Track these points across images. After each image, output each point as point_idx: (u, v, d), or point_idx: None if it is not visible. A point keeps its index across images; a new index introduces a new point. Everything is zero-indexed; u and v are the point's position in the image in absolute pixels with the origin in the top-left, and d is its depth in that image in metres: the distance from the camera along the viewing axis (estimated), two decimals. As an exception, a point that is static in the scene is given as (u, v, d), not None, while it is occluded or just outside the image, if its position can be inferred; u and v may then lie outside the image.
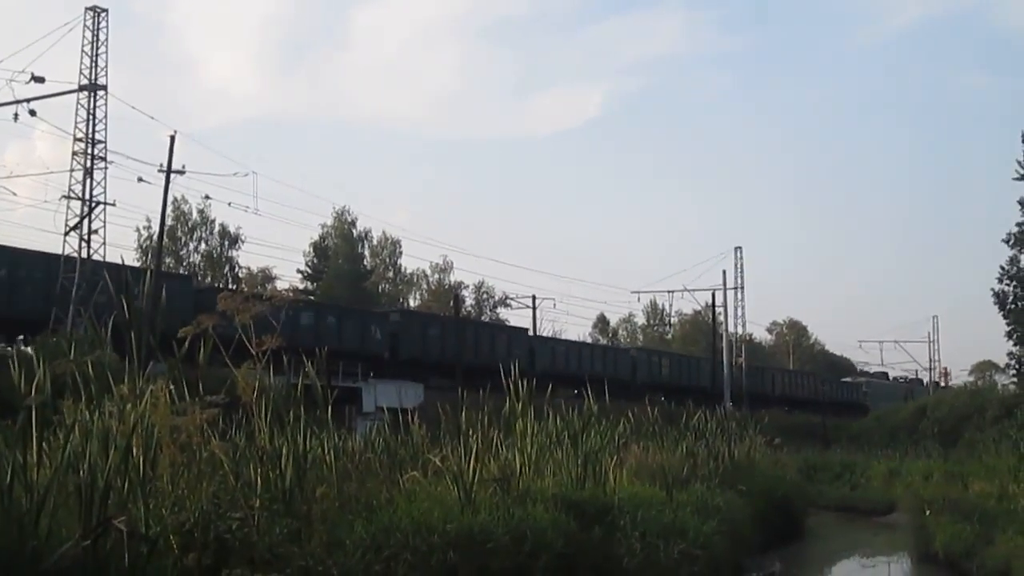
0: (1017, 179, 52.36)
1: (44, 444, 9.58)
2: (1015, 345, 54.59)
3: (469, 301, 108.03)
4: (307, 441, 12.91)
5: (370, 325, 58.14)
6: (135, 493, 9.90)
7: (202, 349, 11.73)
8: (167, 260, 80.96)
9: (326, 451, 13.75)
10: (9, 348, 38.49)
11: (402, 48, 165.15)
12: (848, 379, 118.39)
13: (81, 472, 9.42)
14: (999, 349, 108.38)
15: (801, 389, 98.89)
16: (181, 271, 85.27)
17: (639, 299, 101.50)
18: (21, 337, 42.45)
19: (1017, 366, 55.76)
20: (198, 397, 11.38)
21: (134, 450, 10.01)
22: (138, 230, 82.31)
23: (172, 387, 11.19)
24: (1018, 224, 52.78)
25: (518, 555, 13.60)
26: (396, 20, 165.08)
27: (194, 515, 10.18)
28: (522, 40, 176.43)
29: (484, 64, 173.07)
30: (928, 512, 27.36)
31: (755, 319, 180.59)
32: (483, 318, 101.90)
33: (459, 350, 56.52)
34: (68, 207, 47.06)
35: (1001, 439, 39.22)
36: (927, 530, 26.65)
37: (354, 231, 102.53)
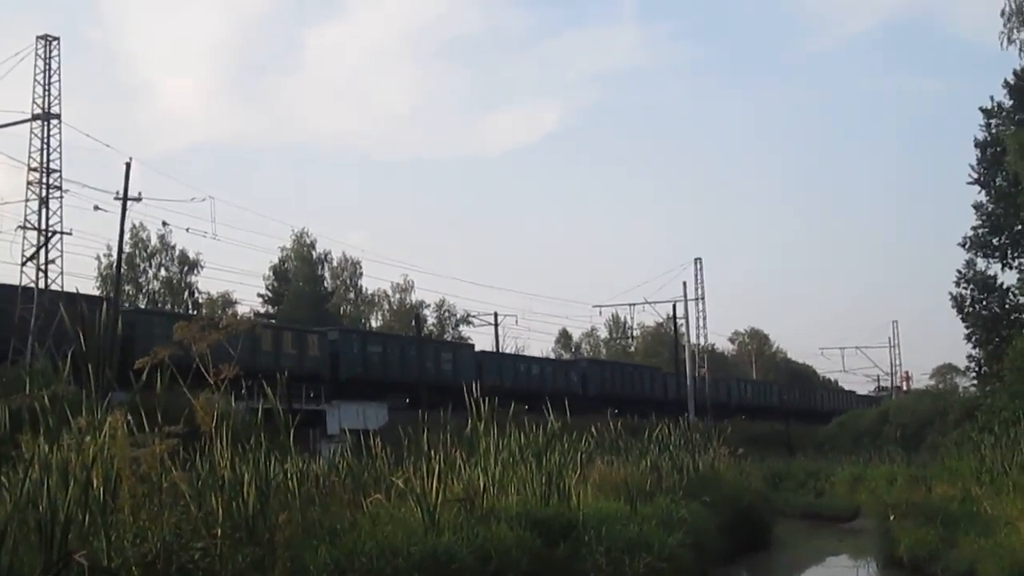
0: (971, 183, 52.90)
1: (3, 479, 9.54)
2: (974, 348, 55.03)
3: (431, 320, 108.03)
4: (269, 467, 12.91)
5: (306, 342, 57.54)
6: (96, 526, 9.87)
7: (159, 378, 11.71)
8: (126, 288, 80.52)
9: (289, 476, 13.74)
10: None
11: (356, 69, 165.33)
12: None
13: (41, 506, 9.39)
14: (959, 352, 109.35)
15: (764, 398, 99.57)
16: (141, 298, 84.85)
17: (600, 313, 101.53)
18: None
19: (977, 369, 56.13)
20: (157, 427, 11.35)
21: (94, 482, 9.99)
22: (98, 258, 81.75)
23: (130, 418, 11.16)
24: (973, 228, 53.24)
25: (483, 574, 13.62)
26: (349, 41, 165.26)
27: (156, 546, 10.15)
28: (477, 57, 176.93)
29: (439, 82, 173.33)
30: (892, 517, 27.49)
31: (717, 329, 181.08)
32: (445, 336, 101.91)
33: (402, 368, 56.76)
34: (24, 237, 46.90)
35: (963, 442, 39.37)
36: (892, 535, 26.77)
37: (313, 253, 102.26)
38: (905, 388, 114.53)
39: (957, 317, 54.39)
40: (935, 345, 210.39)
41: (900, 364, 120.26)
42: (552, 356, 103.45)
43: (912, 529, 25.40)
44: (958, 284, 54.05)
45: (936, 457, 41.06)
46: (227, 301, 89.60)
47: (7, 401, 10.05)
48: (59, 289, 45.41)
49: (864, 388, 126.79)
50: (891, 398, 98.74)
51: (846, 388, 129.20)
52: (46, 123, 47.46)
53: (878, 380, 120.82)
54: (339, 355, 58.91)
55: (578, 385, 74.72)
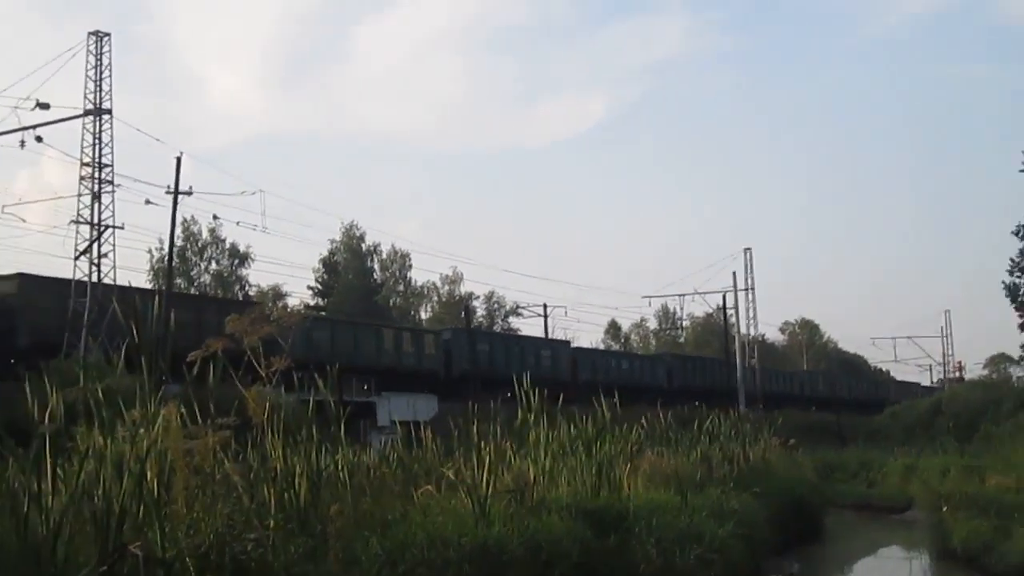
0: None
1: (59, 471, 9.64)
2: (1027, 337, 54.55)
3: (480, 312, 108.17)
4: (321, 458, 12.99)
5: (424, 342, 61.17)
6: (150, 517, 9.95)
7: (212, 371, 11.81)
8: (178, 281, 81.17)
9: (340, 468, 13.82)
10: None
11: (405, 61, 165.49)
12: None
13: (96, 498, 9.48)
14: (1012, 341, 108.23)
15: (816, 388, 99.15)
16: (192, 291, 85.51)
17: (650, 304, 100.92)
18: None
19: (1030, 357, 55.69)
20: (210, 419, 11.44)
21: (148, 474, 10.07)
22: (149, 252, 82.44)
23: (184, 410, 11.25)
24: (1027, 216, 52.76)
25: (534, 566, 13.64)
26: (398, 33, 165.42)
27: (209, 537, 10.22)
28: (525, 48, 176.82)
29: (488, 74, 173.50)
30: (945, 508, 27.27)
31: (767, 320, 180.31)
32: (494, 328, 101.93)
33: (507, 364, 58.87)
34: (77, 232, 47.24)
35: (1017, 432, 39.12)
36: (945, 526, 26.58)
37: (363, 246, 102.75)
38: (958, 378, 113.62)
39: (1011, 306, 53.94)
40: (988, 334, 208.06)
41: (952, 354, 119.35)
42: (601, 347, 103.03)
43: (966, 520, 25.21)
44: (1011, 273, 53.62)
45: (990, 447, 40.73)
46: (277, 294, 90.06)
47: (62, 394, 10.13)
48: (112, 283, 45.78)
49: (915, 378, 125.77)
50: (944, 388, 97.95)
51: (898, 378, 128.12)
52: (98, 118, 47.82)
53: (943, 369, 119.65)
54: (451, 353, 61.81)
55: (663, 379, 76.85)
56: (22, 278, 43.62)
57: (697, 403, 47.37)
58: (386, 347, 57.77)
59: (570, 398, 20.89)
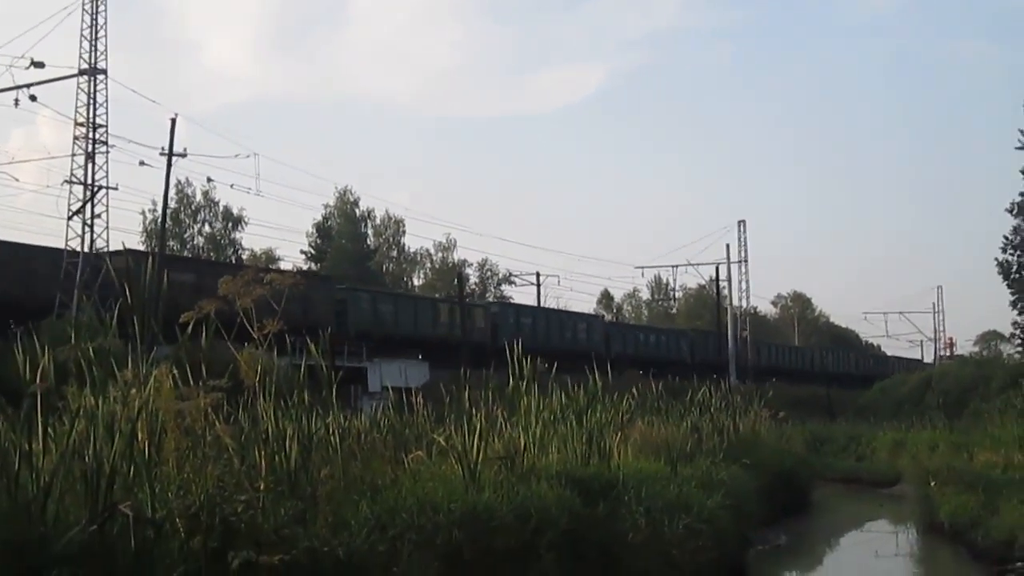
0: (1020, 148, 52.43)
1: (49, 430, 9.64)
2: (1019, 315, 54.71)
3: (473, 279, 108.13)
4: (312, 422, 13.00)
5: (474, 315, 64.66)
6: (141, 478, 9.96)
7: (205, 333, 11.80)
8: (171, 243, 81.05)
9: (331, 432, 13.83)
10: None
11: (401, 26, 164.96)
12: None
13: (87, 458, 9.48)
14: (1004, 319, 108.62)
15: (806, 361, 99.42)
16: (186, 254, 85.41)
17: (643, 274, 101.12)
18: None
19: (1022, 335, 55.84)
20: (202, 381, 11.44)
21: (139, 435, 10.07)
22: (143, 213, 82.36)
23: (176, 371, 11.25)
24: (1021, 194, 52.84)
25: (523, 533, 13.67)
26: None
27: (200, 499, 10.23)
28: (522, 16, 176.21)
29: (484, 41, 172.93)
30: (933, 483, 27.41)
31: (759, 292, 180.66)
32: (487, 296, 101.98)
33: (547, 337, 62.86)
34: (71, 192, 47.14)
35: (1006, 409, 39.26)
36: (932, 501, 26.72)
37: (357, 211, 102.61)
38: (949, 354, 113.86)
39: (1003, 283, 54.09)
40: (980, 311, 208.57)
41: (944, 330, 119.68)
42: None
43: (953, 495, 25.35)
44: (1004, 250, 53.80)
45: (979, 424, 40.90)
46: (270, 257, 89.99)
47: (54, 353, 10.12)
48: (105, 243, 45.73)
49: (906, 353, 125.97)
50: (935, 364, 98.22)
51: (889, 353, 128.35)
52: (93, 78, 47.62)
53: (934, 345, 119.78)
54: (498, 327, 64.70)
55: (687, 353, 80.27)
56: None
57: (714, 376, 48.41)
58: (441, 320, 62.51)
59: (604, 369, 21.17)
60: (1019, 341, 57.96)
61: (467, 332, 58.76)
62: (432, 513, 12.64)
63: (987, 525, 22.72)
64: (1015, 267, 53.25)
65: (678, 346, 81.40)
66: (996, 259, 54.14)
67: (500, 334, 61.35)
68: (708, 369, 66.11)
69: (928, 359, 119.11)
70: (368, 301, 58.30)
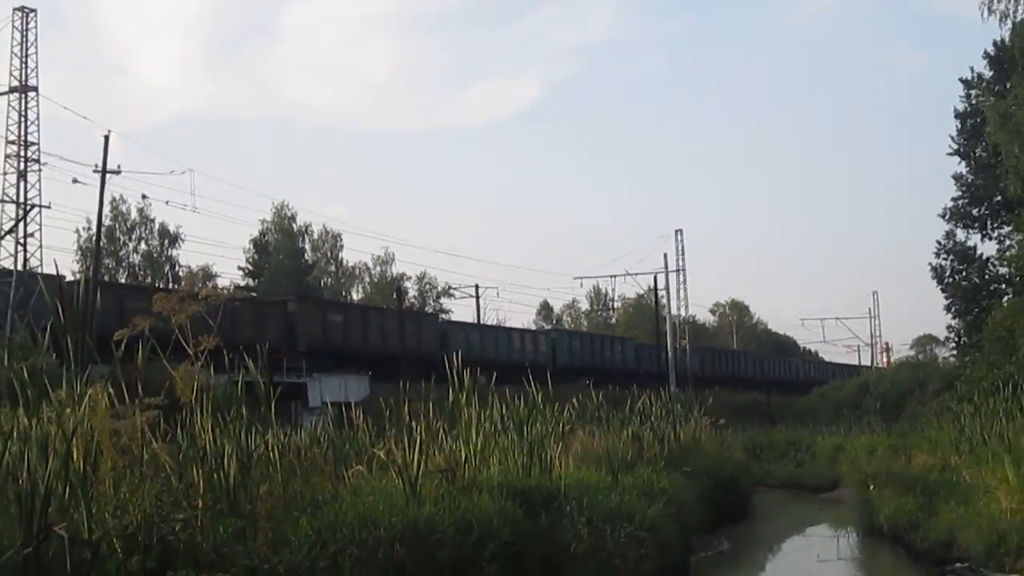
0: (951, 154, 53.08)
1: (-18, 452, 9.51)
2: (954, 319, 55.36)
3: (412, 292, 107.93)
4: (251, 439, 12.90)
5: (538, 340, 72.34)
6: (76, 498, 9.84)
7: (140, 350, 11.68)
8: (107, 261, 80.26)
9: (270, 448, 13.75)
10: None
11: (336, 41, 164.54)
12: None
13: (20, 479, 9.36)
14: (939, 323, 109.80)
15: (746, 368, 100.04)
16: (121, 272, 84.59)
17: (582, 284, 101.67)
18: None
19: (956, 339, 56.53)
20: (137, 399, 11.33)
21: (74, 455, 9.95)
22: (77, 231, 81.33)
23: (111, 390, 11.13)
24: (953, 199, 53.52)
25: (465, 546, 13.62)
26: (329, 13, 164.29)
27: (137, 518, 10.14)
28: (456, 30, 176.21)
29: (418, 55, 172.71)
30: (872, 486, 27.65)
31: (698, 301, 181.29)
32: (427, 309, 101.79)
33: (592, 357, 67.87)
34: (3, 211, 46.66)
35: (942, 412, 39.58)
36: (872, 504, 26.95)
37: (294, 226, 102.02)
38: (885, 359, 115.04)
39: (937, 288, 54.73)
40: (915, 316, 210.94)
41: (880, 335, 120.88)
42: (533, 327, 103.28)
43: (892, 498, 25.55)
44: (938, 255, 54.41)
45: (916, 427, 41.29)
46: (207, 274, 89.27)
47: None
48: (38, 263, 45.24)
49: (843, 359, 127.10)
50: (871, 369, 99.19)
51: (827, 359, 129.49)
52: (23, 95, 47.19)
53: (870, 350, 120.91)
54: (556, 348, 72.04)
55: (633, 363, 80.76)
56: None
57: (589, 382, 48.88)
58: (515, 346, 69.22)
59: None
60: (954, 344, 58.64)
61: (533, 356, 63.17)
62: (373, 528, 12.58)
63: (926, 527, 22.90)
64: (948, 272, 53.90)
65: (621, 355, 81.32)
66: (930, 264, 54.80)
67: (558, 356, 70.32)
68: (649, 378, 66.45)
69: (865, 364, 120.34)
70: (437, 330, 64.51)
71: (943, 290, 54.37)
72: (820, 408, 70.88)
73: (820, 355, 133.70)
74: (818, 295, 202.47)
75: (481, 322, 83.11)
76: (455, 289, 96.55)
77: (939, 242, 54.38)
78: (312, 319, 57.48)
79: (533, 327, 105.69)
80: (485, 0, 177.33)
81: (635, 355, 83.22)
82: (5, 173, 47.08)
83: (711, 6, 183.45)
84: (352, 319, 61.23)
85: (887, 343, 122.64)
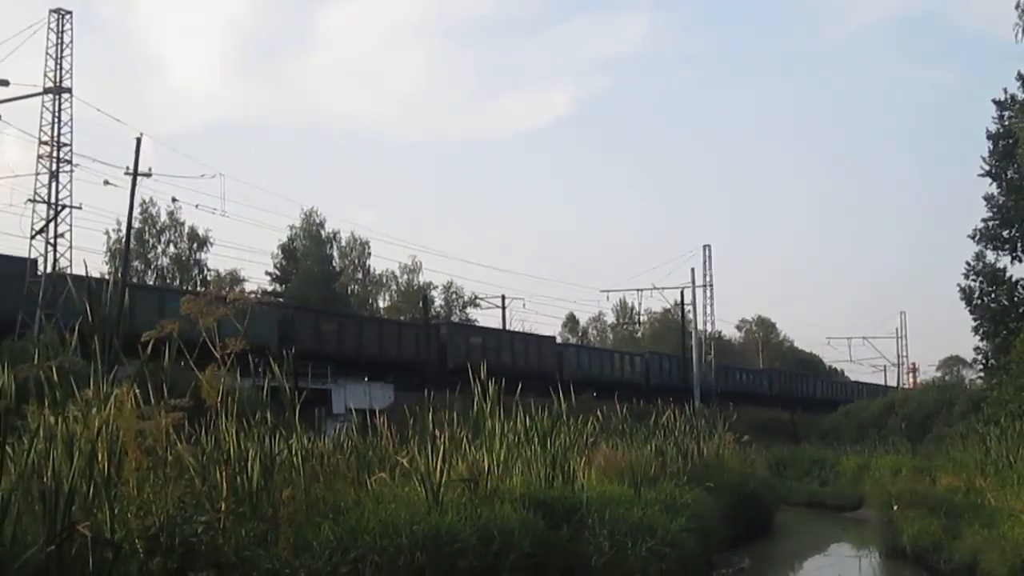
0: (982, 175, 52.76)
1: (8, 449, 9.55)
2: (981, 340, 54.96)
3: (438, 302, 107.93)
4: (274, 443, 12.93)
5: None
6: (100, 498, 9.88)
7: (167, 352, 11.72)
8: (135, 263, 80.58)
9: (293, 453, 13.77)
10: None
11: (368, 49, 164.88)
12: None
13: (45, 477, 9.39)
14: (966, 344, 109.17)
15: (771, 386, 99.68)
16: (149, 274, 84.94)
17: (608, 298, 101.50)
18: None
19: (984, 361, 56.07)
20: (163, 401, 11.36)
21: (99, 454, 9.99)
22: (107, 233, 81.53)
23: (137, 391, 11.17)
24: (983, 220, 53.14)
25: (485, 555, 13.63)
26: (361, 21, 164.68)
27: (160, 519, 10.16)
28: (489, 40, 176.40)
29: (451, 64, 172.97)
30: (896, 507, 27.50)
31: (724, 317, 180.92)
32: (452, 318, 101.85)
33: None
34: (34, 211, 46.81)
35: (968, 434, 39.36)
36: (895, 525, 26.80)
37: (322, 232, 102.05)
38: (911, 379, 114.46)
39: (965, 309, 54.36)
40: (942, 337, 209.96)
41: (907, 355, 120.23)
42: (559, 340, 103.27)
43: (915, 519, 25.41)
44: (967, 276, 53.96)
45: (941, 448, 41.11)
46: (235, 279, 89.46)
47: (13, 372, 10.03)
48: (68, 263, 45.43)
49: (869, 378, 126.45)
50: (897, 389, 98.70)
51: (853, 378, 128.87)
52: (58, 97, 47.38)
53: (897, 370, 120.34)
54: (649, 367, 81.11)
55: (654, 376, 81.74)
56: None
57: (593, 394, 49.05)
58: (627, 368, 79.93)
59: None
60: (981, 366, 58.09)
61: (631, 374, 68.45)
62: (395, 535, 12.59)
63: (949, 549, 22.78)
64: (977, 293, 53.45)
65: (644, 369, 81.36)
66: (959, 285, 54.36)
67: (651, 374, 77.26)
68: (673, 393, 66.38)
69: (891, 384, 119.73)
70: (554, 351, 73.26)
71: (971, 311, 53.93)
72: (845, 427, 70.57)
73: (846, 374, 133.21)
74: (845, 314, 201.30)
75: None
76: (481, 299, 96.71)
77: (968, 263, 53.97)
78: (459, 341, 65.61)
79: (559, 339, 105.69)
80: (518, 10, 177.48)
81: (663, 370, 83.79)
82: (37, 173, 47.27)
83: (743, 21, 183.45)
84: (489, 341, 68.00)
85: (914, 363, 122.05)
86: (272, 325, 51.60)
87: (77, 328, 10.94)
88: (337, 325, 60.14)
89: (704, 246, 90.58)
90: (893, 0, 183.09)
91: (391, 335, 62.30)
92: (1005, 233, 52.60)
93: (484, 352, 61.50)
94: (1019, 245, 52.14)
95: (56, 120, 47.32)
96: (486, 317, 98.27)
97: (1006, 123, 51.34)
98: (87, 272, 41.46)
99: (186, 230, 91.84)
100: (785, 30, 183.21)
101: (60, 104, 47.46)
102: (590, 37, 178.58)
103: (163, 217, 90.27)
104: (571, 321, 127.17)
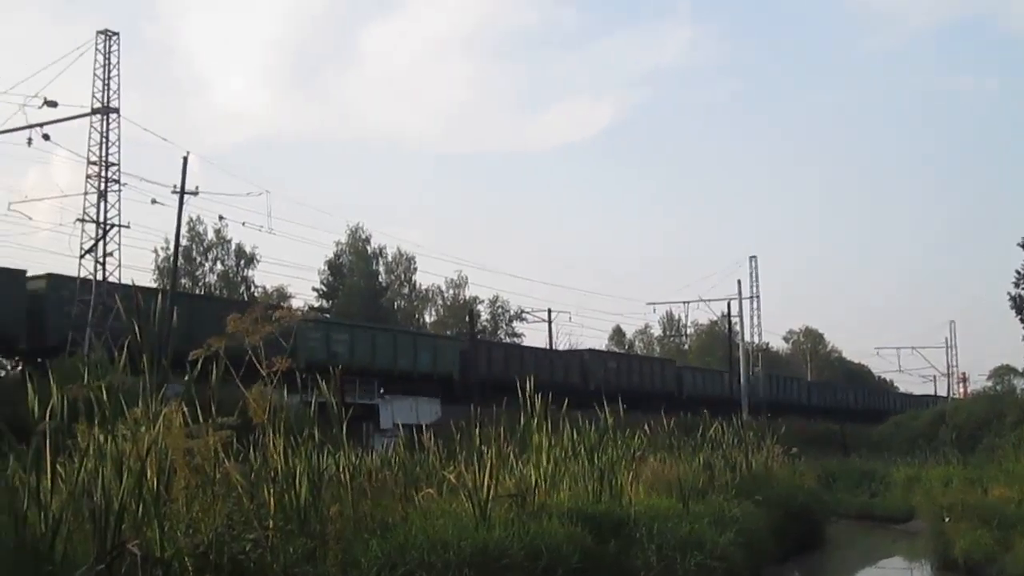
0: (1032, 183, 52.31)
1: (59, 468, 9.62)
2: (1032, 349, 54.48)
3: (484, 316, 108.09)
4: (322, 460, 12.97)
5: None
6: (149, 516, 9.94)
7: (215, 370, 11.77)
8: (183, 281, 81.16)
9: (341, 469, 13.80)
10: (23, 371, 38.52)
11: (412, 64, 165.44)
12: None
13: (95, 496, 9.47)
14: (1017, 353, 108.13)
15: (819, 397, 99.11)
16: (197, 291, 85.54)
17: (655, 310, 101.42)
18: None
19: (1035, 370, 55.64)
20: (211, 419, 11.42)
21: (148, 473, 10.05)
22: (155, 251, 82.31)
23: (186, 409, 11.23)
24: (1033, 228, 52.73)
25: (533, 571, 13.62)
26: (405, 36, 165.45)
27: (208, 537, 10.21)
28: (532, 53, 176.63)
29: (494, 78, 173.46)
30: (947, 518, 27.21)
31: (771, 328, 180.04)
32: (499, 333, 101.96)
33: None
34: (83, 230, 47.17)
35: (1020, 444, 39.05)
36: (947, 537, 26.52)
37: (368, 248, 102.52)
38: (962, 389, 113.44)
39: (1016, 318, 53.91)
40: (993, 346, 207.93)
41: (957, 365, 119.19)
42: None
43: (967, 531, 25.13)
44: (1017, 284, 53.61)
45: (993, 459, 40.63)
46: (282, 295, 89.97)
47: (64, 391, 10.11)
48: (116, 281, 45.72)
49: (919, 389, 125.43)
50: (947, 399, 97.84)
51: (902, 389, 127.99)
52: (105, 117, 47.78)
53: (947, 380, 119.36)
54: (682, 379, 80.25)
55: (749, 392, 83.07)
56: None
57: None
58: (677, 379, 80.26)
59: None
60: (1032, 375, 57.65)
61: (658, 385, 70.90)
62: (442, 551, 12.59)
63: (1002, 561, 22.55)
64: (1028, 301, 53.11)
65: (691, 381, 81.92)
66: (1009, 294, 54.05)
67: (684, 386, 77.66)
68: (721, 405, 66.21)
69: (941, 394, 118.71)
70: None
71: (1022, 320, 53.55)
72: (895, 438, 69.89)
73: (895, 385, 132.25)
74: (894, 324, 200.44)
75: (553, 346, 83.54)
76: (527, 313, 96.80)
77: (1018, 271, 53.65)
78: (597, 366, 71.20)
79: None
80: (561, 24, 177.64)
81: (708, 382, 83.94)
82: (86, 193, 47.64)
83: (785, 33, 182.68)
84: (620, 365, 75.55)
85: (964, 373, 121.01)
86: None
87: (126, 346, 11.00)
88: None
89: (750, 257, 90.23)
90: (937, 9, 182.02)
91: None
92: (1055, 241, 52.15)
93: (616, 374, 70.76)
94: (1069, 253, 51.69)
95: (104, 140, 47.72)
96: (532, 331, 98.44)
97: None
98: (135, 287, 41.74)
99: (233, 247, 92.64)
100: (826, 40, 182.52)
101: (108, 124, 47.86)
102: (632, 50, 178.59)
103: (210, 235, 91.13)
104: (617, 334, 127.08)
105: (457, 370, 60.48)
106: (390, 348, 57.05)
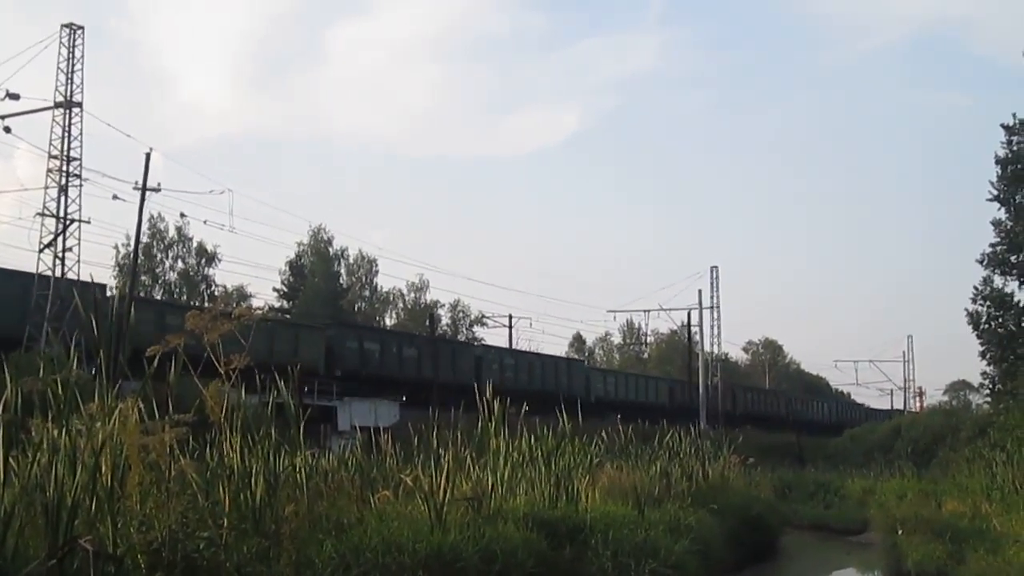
0: (990, 200, 52.71)
1: (11, 462, 9.54)
2: (988, 365, 54.83)
3: (445, 320, 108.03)
4: (278, 460, 12.91)
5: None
6: (103, 512, 9.87)
7: (172, 367, 11.71)
8: (143, 278, 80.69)
9: (297, 470, 13.75)
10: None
11: (379, 66, 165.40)
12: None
13: (48, 491, 9.38)
14: (973, 369, 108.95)
15: (776, 408, 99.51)
16: (157, 289, 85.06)
17: (615, 318, 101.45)
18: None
19: (990, 386, 55.90)
20: (167, 416, 11.35)
21: (102, 469, 9.98)
22: (116, 247, 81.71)
23: (142, 405, 11.16)
24: (991, 245, 53.08)
25: (488, 574, 13.62)
26: (373, 38, 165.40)
27: (162, 534, 10.16)
28: (499, 59, 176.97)
29: (461, 82, 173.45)
30: (901, 531, 27.42)
31: (731, 338, 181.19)
32: (459, 337, 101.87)
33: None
34: (43, 224, 46.88)
35: (975, 459, 39.25)
36: (900, 549, 26.71)
37: (330, 249, 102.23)
38: (918, 403, 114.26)
39: (972, 334, 54.23)
40: (949, 361, 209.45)
41: (914, 379, 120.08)
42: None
43: (920, 544, 25.34)
44: (974, 301, 53.83)
45: (947, 473, 40.98)
46: (242, 295, 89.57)
47: (19, 384, 10.03)
48: (76, 276, 45.43)
49: (876, 402, 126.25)
50: (903, 412, 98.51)
51: (859, 402, 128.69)
52: (68, 111, 47.52)
53: (903, 394, 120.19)
54: (590, 382, 76.86)
55: (663, 398, 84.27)
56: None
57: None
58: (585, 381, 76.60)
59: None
60: (988, 391, 57.90)
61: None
62: (397, 553, 12.58)
63: (954, 574, 22.71)
64: (985, 318, 53.31)
65: (654, 391, 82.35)
66: (966, 310, 54.24)
67: (675, 398, 77.97)
68: (680, 414, 66.33)
69: (898, 407, 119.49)
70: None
71: (978, 336, 53.80)
72: (851, 450, 70.37)
73: (852, 397, 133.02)
74: (852, 337, 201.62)
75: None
76: (488, 318, 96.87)
77: (976, 288, 53.85)
78: (597, 378, 75.85)
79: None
80: (530, 30, 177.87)
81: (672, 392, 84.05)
82: (47, 187, 47.36)
83: (751, 44, 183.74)
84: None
85: (920, 387, 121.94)
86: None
87: (82, 341, 10.94)
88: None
89: (711, 267, 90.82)
90: (904, 24, 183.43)
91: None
92: (1013, 258, 52.49)
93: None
94: (1027, 270, 52.08)
95: (66, 134, 47.46)
96: (492, 336, 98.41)
97: (1014, 148, 51.33)
98: (93, 282, 41.53)
99: (194, 245, 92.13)
100: (795, 51, 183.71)
101: (70, 118, 47.60)
102: (601, 57, 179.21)
103: (171, 232, 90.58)
104: (578, 341, 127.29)
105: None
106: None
